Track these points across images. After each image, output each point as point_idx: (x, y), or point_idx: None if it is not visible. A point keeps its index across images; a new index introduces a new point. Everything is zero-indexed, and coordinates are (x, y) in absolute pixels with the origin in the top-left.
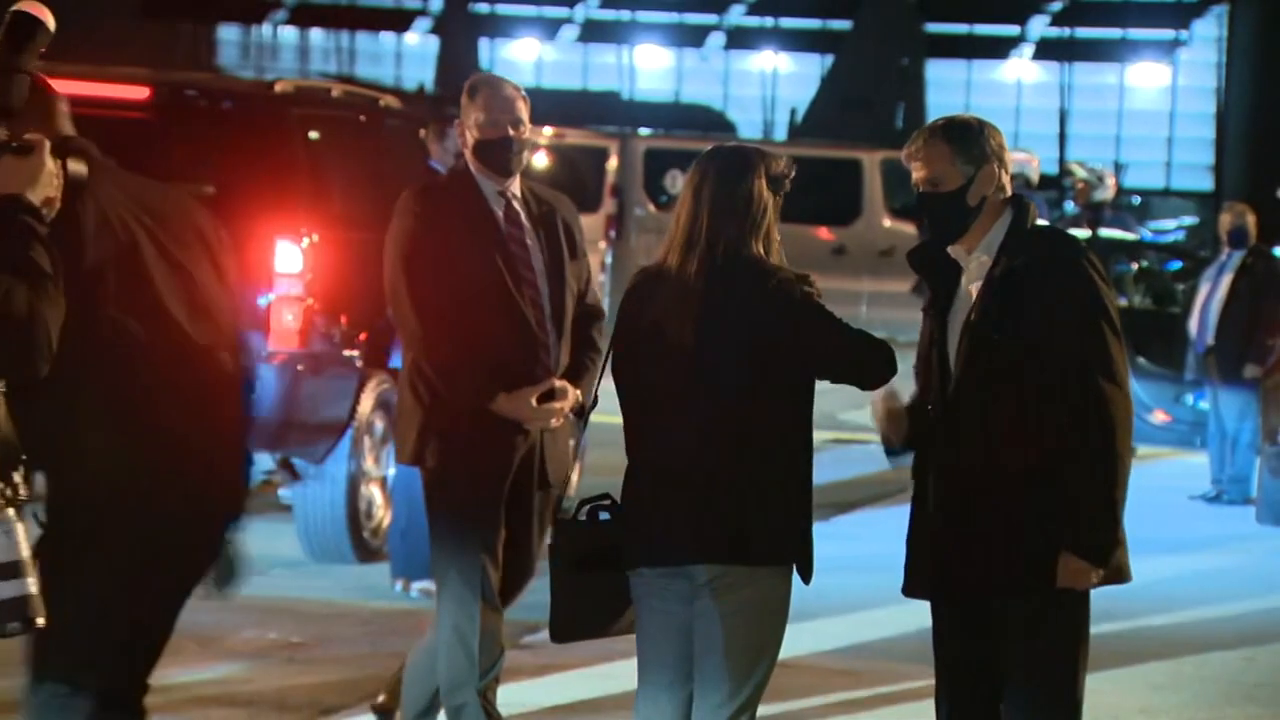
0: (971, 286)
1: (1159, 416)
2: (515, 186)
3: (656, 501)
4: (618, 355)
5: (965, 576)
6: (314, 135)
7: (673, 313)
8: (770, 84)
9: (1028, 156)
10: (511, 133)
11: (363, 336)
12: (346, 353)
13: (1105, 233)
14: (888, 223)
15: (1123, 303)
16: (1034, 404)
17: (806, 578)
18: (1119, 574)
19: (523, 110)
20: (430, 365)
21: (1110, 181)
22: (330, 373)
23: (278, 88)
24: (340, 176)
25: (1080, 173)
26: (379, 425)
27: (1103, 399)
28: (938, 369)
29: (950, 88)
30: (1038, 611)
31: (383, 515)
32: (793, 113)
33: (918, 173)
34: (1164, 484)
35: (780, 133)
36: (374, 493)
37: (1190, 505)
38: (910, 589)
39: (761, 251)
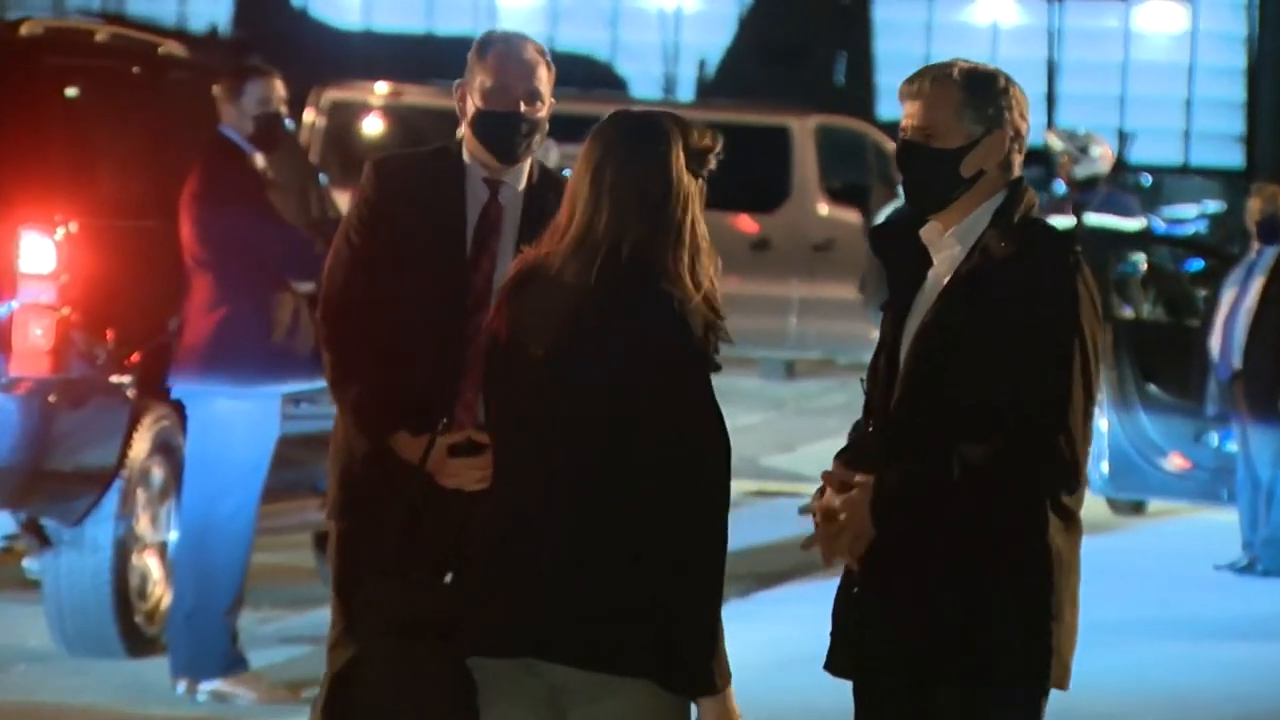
0: (934, 283)
1: (1174, 462)
2: (518, 177)
3: (503, 564)
4: (489, 367)
5: (885, 654)
6: (72, 92)
7: (550, 330)
8: (672, 27)
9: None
10: (524, 108)
11: (135, 357)
12: (114, 379)
13: (1094, 220)
14: (824, 209)
15: (1127, 313)
16: (976, 431)
17: (708, 689)
18: (1059, 680)
19: (544, 81)
20: (334, 393)
21: (1100, 151)
22: (92, 406)
23: (24, 29)
24: (108, 147)
25: (1056, 143)
26: (157, 474)
27: (1033, 451)
28: (883, 381)
29: (905, 32)
30: (976, 708)
31: (161, 594)
32: (701, 65)
33: (910, 117)
34: (1181, 549)
35: (685, 91)
36: (149, 564)
37: (1215, 577)
38: (832, 664)
39: (684, 264)
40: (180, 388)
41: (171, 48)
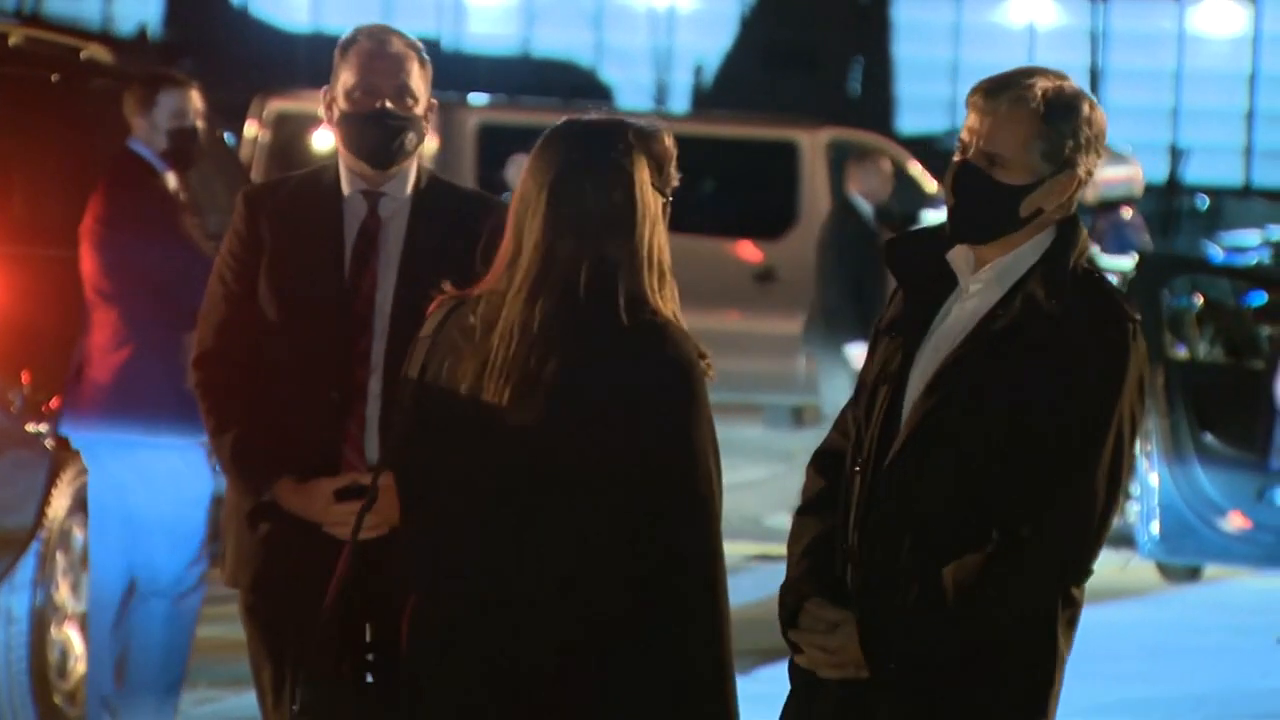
0: (961, 318)
1: (1235, 521)
2: (400, 185)
3: (452, 666)
4: (407, 427)
5: None
6: None
7: (508, 379)
8: (664, 28)
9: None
10: (390, 105)
11: (55, 403)
12: (30, 427)
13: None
14: None
15: (1182, 353)
16: (981, 508)
17: None
18: None
19: (415, 75)
20: (212, 444)
21: (1122, 174)
22: (6, 458)
23: None
24: (20, 163)
25: None
26: (79, 536)
27: (1036, 561)
28: (881, 414)
29: (930, 35)
30: None
31: (85, 671)
32: (697, 71)
33: (974, 133)
34: (1240, 621)
35: (680, 100)
36: (71, 637)
37: (1278, 652)
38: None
39: (657, 291)
40: (81, 435)
41: (95, 52)
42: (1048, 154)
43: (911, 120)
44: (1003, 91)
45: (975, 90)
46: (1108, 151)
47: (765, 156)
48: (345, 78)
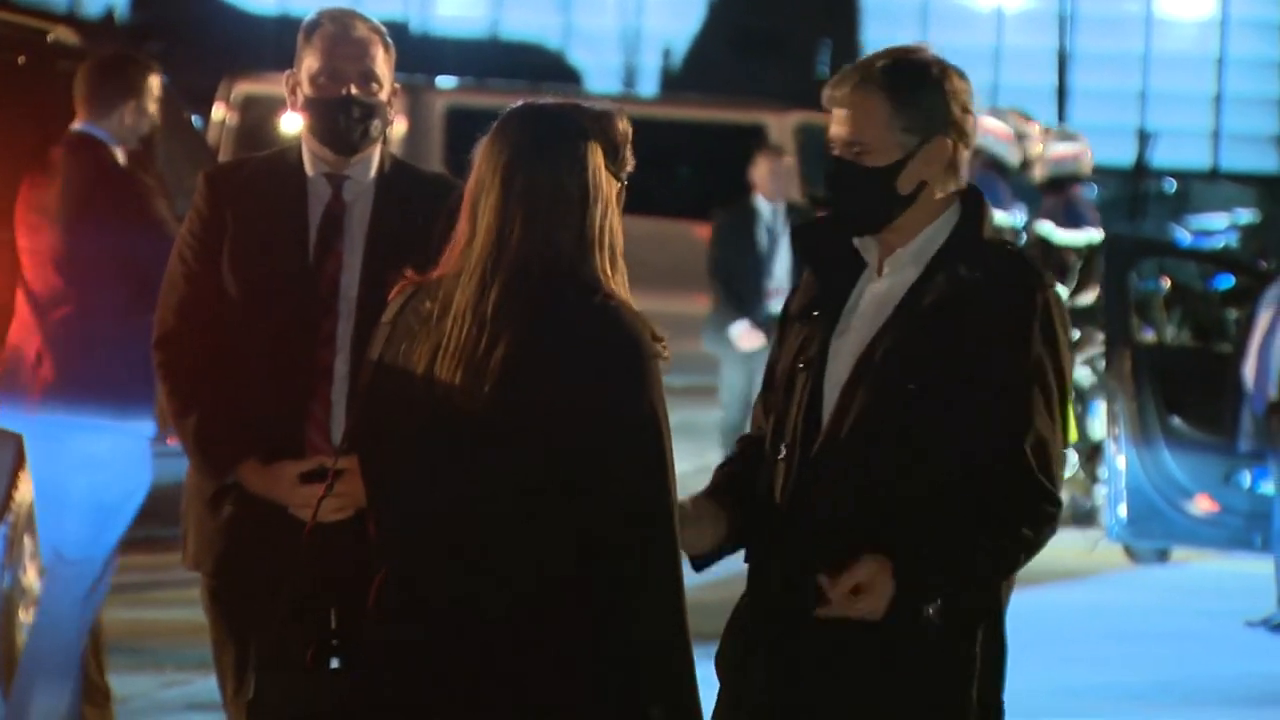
0: (877, 301)
1: (1202, 505)
2: (364, 169)
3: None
4: (369, 410)
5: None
6: None
7: (464, 363)
8: (632, 11)
9: (1004, 130)
10: (354, 91)
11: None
12: None
13: (1045, 229)
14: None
15: (1149, 336)
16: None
17: None
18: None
19: (380, 60)
20: (174, 427)
21: (1070, 150)
22: None
23: None
24: None
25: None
26: None
27: (1034, 497)
28: (802, 404)
29: (897, 18)
30: None
31: None
32: (666, 55)
33: (837, 127)
34: (1208, 604)
35: (649, 84)
36: None
37: (1247, 635)
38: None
39: (609, 274)
40: (34, 418)
41: (62, 34)
42: (909, 127)
43: None
44: (849, 81)
45: (826, 87)
46: (1057, 130)
47: (733, 139)
48: (309, 62)
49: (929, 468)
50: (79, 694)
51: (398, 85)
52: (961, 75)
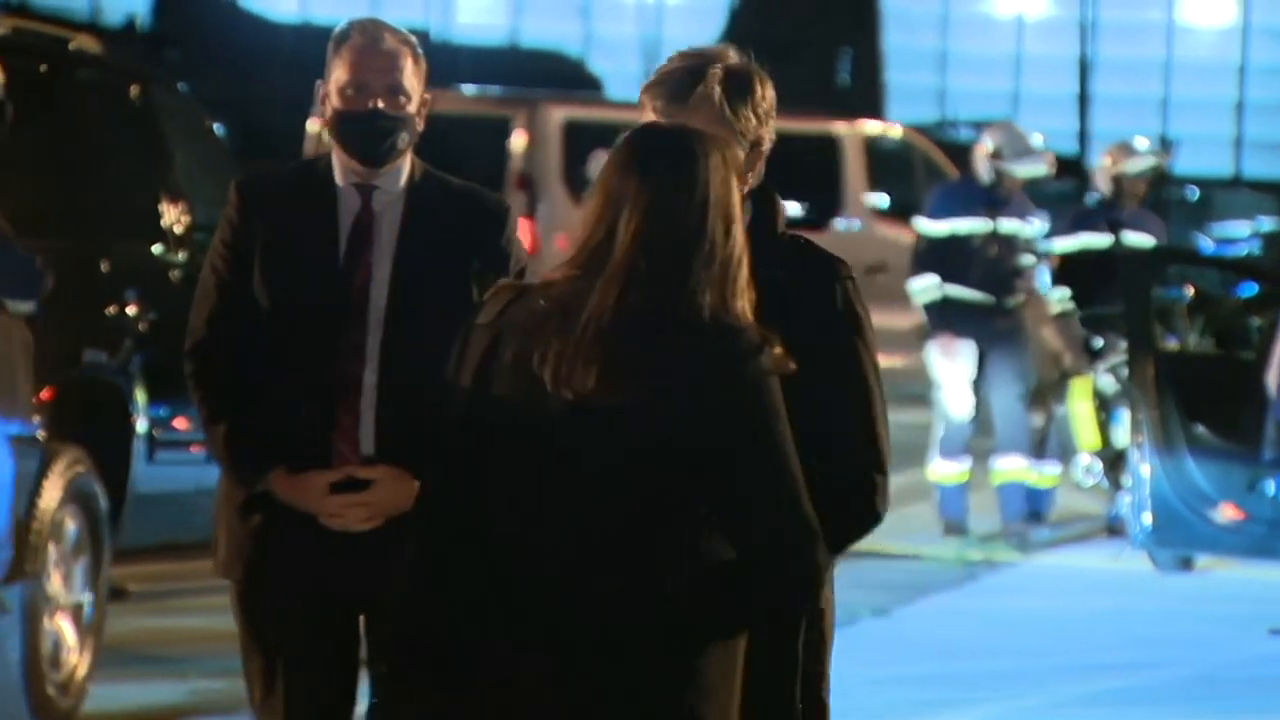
0: None
1: (1226, 512)
2: (394, 179)
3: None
4: (474, 416)
5: None
6: None
7: (575, 370)
8: (652, 18)
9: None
10: (381, 104)
11: (47, 394)
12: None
13: (1134, 239)
14: (879, 227)
15: (1172, 344)
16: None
17: None
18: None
19: (409, 73)
20: (206, 435)
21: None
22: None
23: None
24: (9, 156)
25: (992, 139)
26: (71, 527)
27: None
28: None
29: (918, 25)
30: None
31: (77, 662)
32: None
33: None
34: (1232, 611)
35: None
36: (63, 628)
37: (1272, 643)
38: None
39: (735, 295)
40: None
41: (83, 43)
42: (741, 130)
43: (900, 111)
44: (684, 93)
45: (652, 94)
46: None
47: (808, 150)
48: (338, 74)
49: None
50: None
51: (426, 96)
52: (769, 82)
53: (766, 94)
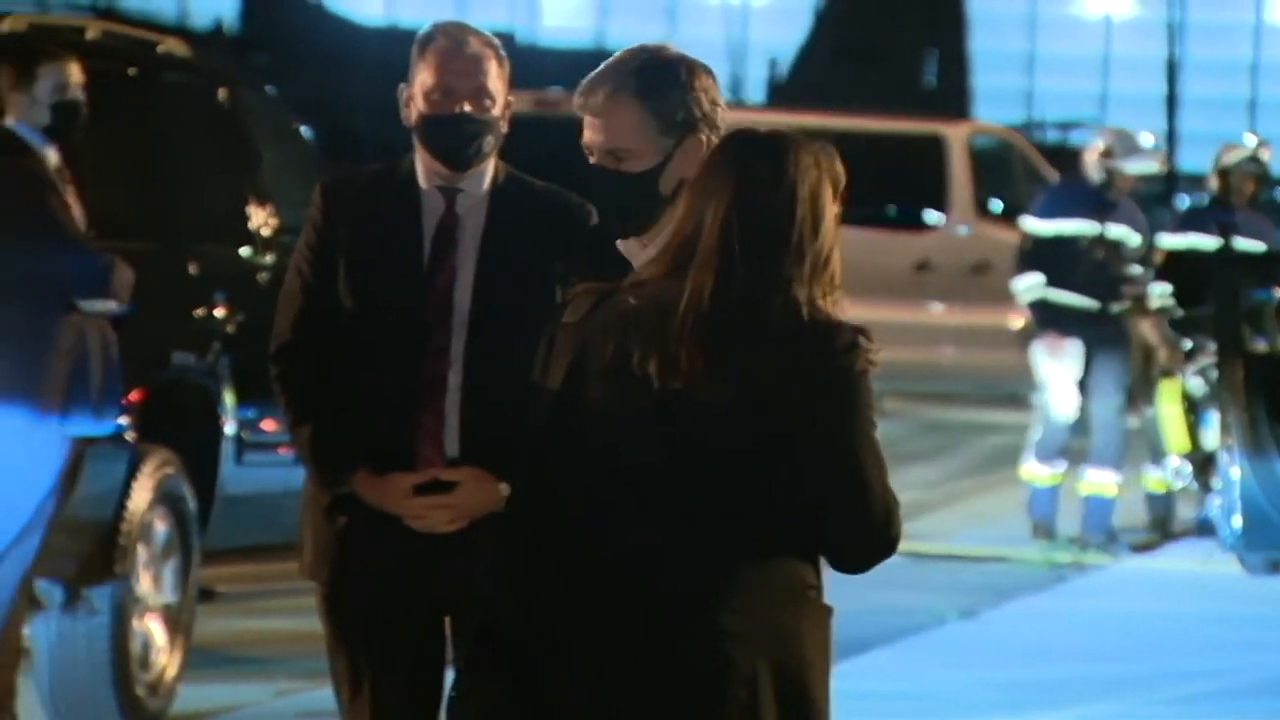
0: None
1: None
2: (478, 182)
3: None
4: (556, 413)
5: None
6: None
7: (669, 365)
8: (738, 21)
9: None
10: (468, 108)
11: (136, 396)
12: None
13: (1244, 244)
14: (981, 228)
15: (1261, 346)
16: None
17: None
18: None
19: (493, 76)
20: (291, 437)
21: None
22: (89, 450)
23: (4, 25)
24: (99, 158)
25: (1103, 141)
26: (160, 529)
27: None
28: None
29: (1005, 27)
30: None
31: (166, 663)
32: (772, 65)
33: (592, 134)
34: None
35: (755, 93)
36: (152, 629)
37: None
38: None
39: (825, 295)
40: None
41: (172, 46)
42: (664, 129)
43: (987, 113)
44: (598, 88)
45: (577, 94)
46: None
47: (914, 150)
48: (423, 77)
49: None
50: None
51: (510, 99)
52: (708, 72)
53: (696, 78)
